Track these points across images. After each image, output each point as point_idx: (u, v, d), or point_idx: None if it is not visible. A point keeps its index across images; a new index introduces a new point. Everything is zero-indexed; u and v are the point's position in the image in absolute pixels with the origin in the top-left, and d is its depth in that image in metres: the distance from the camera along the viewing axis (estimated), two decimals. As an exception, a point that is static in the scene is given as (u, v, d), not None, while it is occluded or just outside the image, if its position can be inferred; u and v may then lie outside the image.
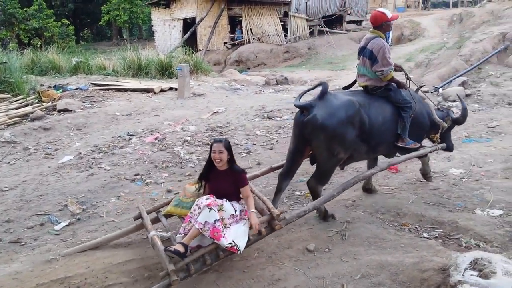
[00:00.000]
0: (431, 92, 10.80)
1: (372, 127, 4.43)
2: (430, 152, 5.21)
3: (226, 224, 3.62)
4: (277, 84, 13.35)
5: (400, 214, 4.88)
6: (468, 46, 14.47)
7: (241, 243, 3.57)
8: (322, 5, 23.66)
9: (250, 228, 3.71)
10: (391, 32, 21.10)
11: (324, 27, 23.30)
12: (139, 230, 4.32)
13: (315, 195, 4.51)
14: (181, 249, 3.40)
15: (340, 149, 4.31)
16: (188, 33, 24.40)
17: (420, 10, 31.24)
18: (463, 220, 4.57)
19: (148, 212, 4.20)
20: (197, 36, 24.88)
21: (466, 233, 4.35)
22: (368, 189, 5.43)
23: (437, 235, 4.43)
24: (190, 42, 25.07)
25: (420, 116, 4.91)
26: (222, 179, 3.83)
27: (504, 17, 18.15)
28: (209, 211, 3.52)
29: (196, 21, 24.51)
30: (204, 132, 7.73)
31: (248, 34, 22.82)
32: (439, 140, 5.22)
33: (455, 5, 36.16)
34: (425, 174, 5.53)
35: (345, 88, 5.10)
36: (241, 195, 3.90)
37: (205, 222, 3.48)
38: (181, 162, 6.57)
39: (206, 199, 3.63)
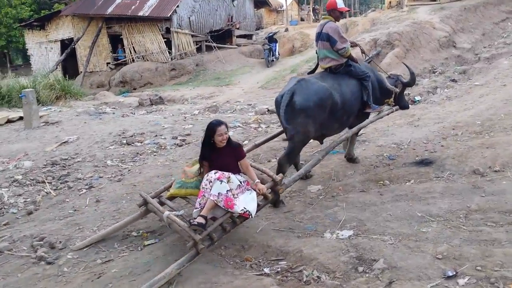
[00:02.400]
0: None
1: (345, 103, 5.15)
2: (387, 114, 5.96)
3: (234, 194, 3.94)
4: (152, 104, 12.45)
5: (245, 247, 4.23)
6: (344, 54, 14.76)
7: (252, 208, 3.96)
8: (207, 20, 23.14)
9: (257, 195, 4.13)
10: (277, 44, 21.37)
11: (212, 43, 22.75)
12: (145, 216, 4.59)
13: (281, 170, 4.92)
14: (202, 221, 3.75)
15: (312, 129, 4.94)
16: (64, 54, 22.50)
17: (311, 22, 32.16)
18: (309, 247, 4.02)
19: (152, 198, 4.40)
20: (77, 57, 23.10)
21: (310, 264, 3.79)
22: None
23: (279, 269, 3.82)
24: (71, 65, 23.30)
25: (374, 84, 5.67)
26: (223, 155, 4.15)
27: (378, 24, 19.04)
28: (221, 183, 3.88)
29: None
30: (42, 168, 6.57)
31: (131, 53, 21.59)
32: (394, 103, 5.96)
33: (344, 16, 38.11)
34: (351, 157, 6.13)
35: (310, 73, 5.85)
36: (240, 167, 4.24)
37: (219, 193, 3.84)
38: (1, 209, 5.42)
39: (215, 173, 3.99)
